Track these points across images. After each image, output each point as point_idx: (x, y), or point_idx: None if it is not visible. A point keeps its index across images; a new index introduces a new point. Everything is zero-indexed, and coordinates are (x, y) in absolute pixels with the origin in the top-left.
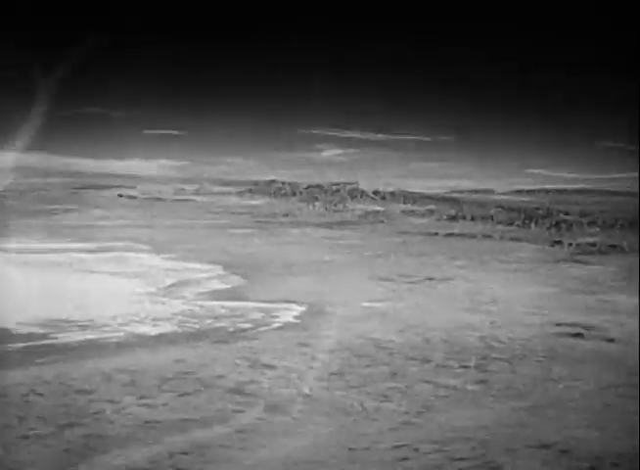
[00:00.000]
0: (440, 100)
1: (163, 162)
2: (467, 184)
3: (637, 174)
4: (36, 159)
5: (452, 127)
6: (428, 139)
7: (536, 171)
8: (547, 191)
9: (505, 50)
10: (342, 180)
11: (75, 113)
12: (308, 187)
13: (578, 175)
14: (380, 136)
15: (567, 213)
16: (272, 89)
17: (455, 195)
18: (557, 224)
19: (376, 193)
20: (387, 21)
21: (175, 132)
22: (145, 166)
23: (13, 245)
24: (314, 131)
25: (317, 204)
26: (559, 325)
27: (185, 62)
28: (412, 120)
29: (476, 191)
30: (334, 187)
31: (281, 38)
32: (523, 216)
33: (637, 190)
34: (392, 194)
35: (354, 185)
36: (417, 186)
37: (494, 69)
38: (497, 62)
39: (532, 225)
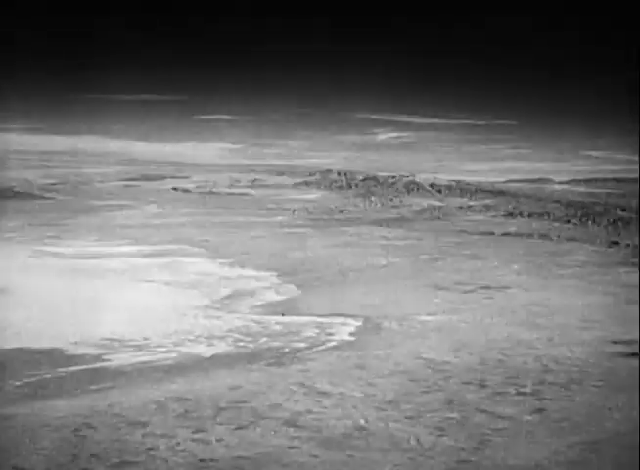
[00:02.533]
0: (497, 84)
1: (218, 144)
2: (523, 166)
3: None
4: (89, 142)
5: (508, 111)
6: (483, 123)
7: (593, 153)
8: (604, 180)
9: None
10: (398, 169)
11: (125, 99)
12: (365, 179)
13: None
14: (436, 120)
15: (624, 210)
16: (325, 74)
17: (512, 185)
18: (614, 222)
19: (432, 186)
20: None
21: (228, 117)
22: (199, 150)
23: (67, 249)
24: (370, 115)
25: (373, 198)
26: (615, 343)
27: (235, 45)
28: (467, 105)
29: (532, 181)
30: (390, 180)
31: (337, 22)
32: (580, 213)
33: None
34: (449, 188)
35: (410, 178)
36: (474, 169)
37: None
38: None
39: (589, 223)
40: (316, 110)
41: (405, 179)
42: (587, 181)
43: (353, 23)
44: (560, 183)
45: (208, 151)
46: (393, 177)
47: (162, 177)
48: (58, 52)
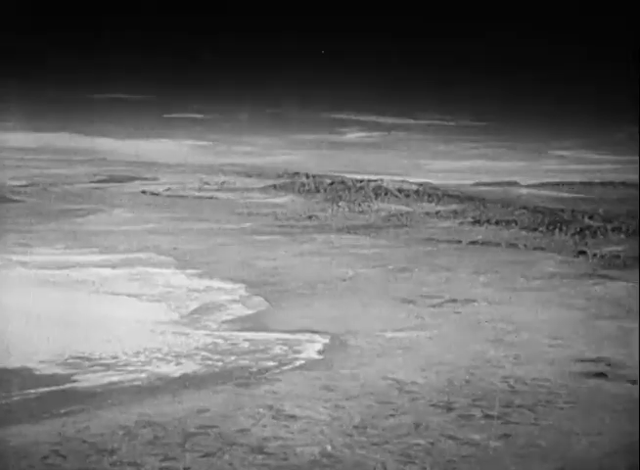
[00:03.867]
0: (464, 85)
1: (187, 142)
2: (491, 165)
3: None
4: (60, 139)
5: (475, 112)
6: (451, 124)
7: (561, 153)
8: (572, 184)
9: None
10: (366, 168)
11: (96, 98)
12: (333, 183)
13: (604, 156)
14: (403, 120)
15: (591, 217)
16: (292, 74)
17: (479, 189)
18: (581, 231)
19: (400, 191)
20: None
21: (196, 116)
22: (169, 147)
23: (35, 257)
24: (336, 115)
25: (341, 203)
26: (582, 361)
27: (203, 45)
28: (435, 105)
29: (500, 184)
30: (358, 184)
31: (300, 24)
32: (547, 221)
33: None
34: (417, 192)
35: (378, 182)
36: (442, 168)
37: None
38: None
39: (557, 231)
40: (284, 109)
41: (373, 184)
42: (554, 185)
43: (325, 23)
44: (527, 186)
45: (177, 148)
46: (361, 181)
47: (131, 178)
48: (26, 49)
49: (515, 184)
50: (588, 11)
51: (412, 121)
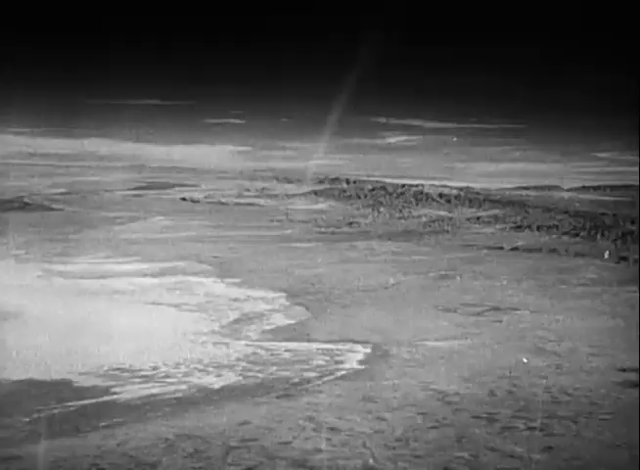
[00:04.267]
0: (504, 88)
1: (227, 147)
2: (532, 168)
3: None
4: (96, 144)
5: (515, 114)
6: (493, 127)
7: (603, 155)
8: (613, 187)
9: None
10: (407, 172)
11: (133, 104)
12: (373, 189)
13: None
14: (443, 124)
15: (633, 222)
16: (332, 78)
17: (520, 193)
18: (623, 236)
19: (441, 196)
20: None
21: (236, 121)
22: (209, 153)
23: (74, 267)
24: (377, 119)
25: (382, 209)
26: (623, 371)
27: (242, 50)
28: (475, 109)
29: (541, 187)
30: (398, 190)
31: (346, 23)
32: (588, 226)
33: None
34: (458, 197)
35: (419, 187)
36: (483, 170)
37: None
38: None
39: (598, 237)
40: (325, 114)
41: (414, 189)
42: (596, 188)
43: (362, 25)
44: (568, 190)
45: (217, 154)
46: (402, 186)
47: (171, 185)
48: (63, 56)
49: (556, 188)
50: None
51: (453, 125)
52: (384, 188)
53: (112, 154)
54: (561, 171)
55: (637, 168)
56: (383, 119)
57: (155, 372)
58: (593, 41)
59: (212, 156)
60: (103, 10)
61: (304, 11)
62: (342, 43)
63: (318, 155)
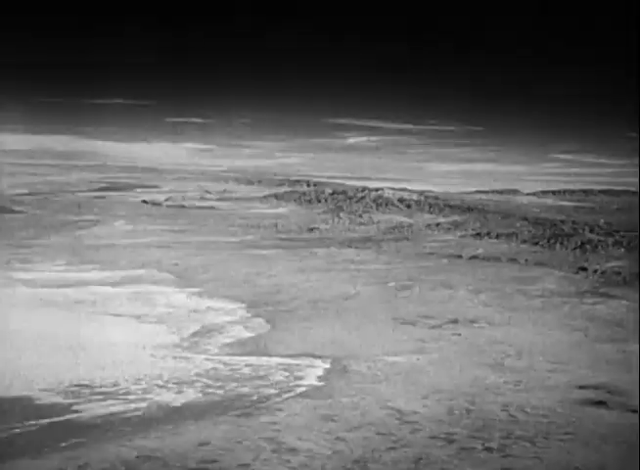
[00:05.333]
0: (463, 92)
1: (188, 145)
2: (491, 168)
3: None
4: (58, 141)
5: (474, 116)
6: (451, 128)
7: (562, 156)
8: (572, 192)
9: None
10: (367, 172)
11: (97, 103)
12: (333, 193)
13: (606, 160)
14: (404, 126)
15: (592, 230)
16: (295, 80)
17: (480, 198)
18: (582, 245)
19: (401, 201)
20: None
21: (197, 120)
22: (170, 151)
23: (36, 274)
24: (338, 120)
25: (342, 215)
26: (582, 388)
27: (203, 49)
28: (435, 111)
29: (500, 192)
30: (359, 194)
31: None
32: (548, 234)
33: None
34: (418, 202)
35: (379, 192)
36: (439, 170)
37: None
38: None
39: (557, 246)
40: (286, 114)
41: (374, 193)
42: (555, 193)
43: (329, 28)
44: (528, 194)
45: (178, 151)
46: (362, 190)
47: (132, 187)
48: (24, 52)
49: (516, 192)
50: (589, 13)
51: (412, 126)
52: (344, 192)
53: (73, 151)
54: (520, 172)
55: (597, 171)
56: (343, 120)
57: (115, 389)
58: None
59: (174, 154)
60: (70, 9)
61: (266, 11)
62: (308, 44)
63: (278, 154)
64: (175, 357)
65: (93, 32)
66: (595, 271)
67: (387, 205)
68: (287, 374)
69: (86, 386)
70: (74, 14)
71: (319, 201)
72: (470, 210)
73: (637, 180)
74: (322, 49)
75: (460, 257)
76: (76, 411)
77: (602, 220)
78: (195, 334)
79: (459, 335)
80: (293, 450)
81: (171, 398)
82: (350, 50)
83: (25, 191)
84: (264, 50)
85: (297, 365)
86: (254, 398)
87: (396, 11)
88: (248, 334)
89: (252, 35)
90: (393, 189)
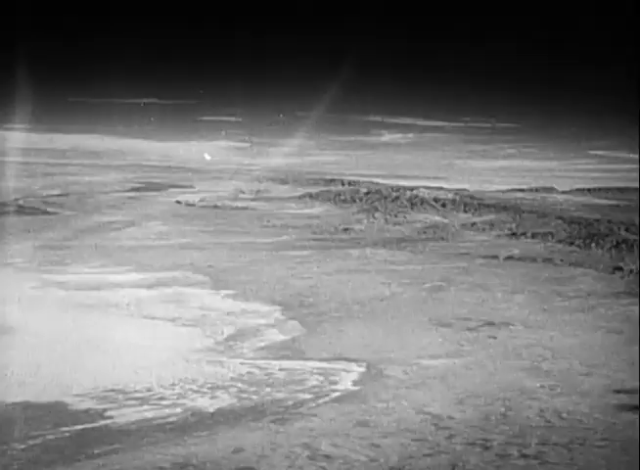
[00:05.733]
0: (499, 88)
1: (223, 143)
2: (527, 164)
3: None
4: (92, 141)
5: (510, 114)
6: (487, 125)
7: (598, 153)
8: (608, 189)
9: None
10: (401, 170)
11: (129, 103)
12: (368, 192)
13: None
14: (438, 123)
15: (627, 229)
16: (328, 77)
17: (516, 195)
18: (617, 245)
19: (436, 200)
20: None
21: (231, 119)
22: (204, 150)
23: (71, 277)
24: (372, 118)
25: (377, 215)
26: (618, 392)
27: (237, 48)
28: (469, 109)
29: (536, 190)
30: (393, 193)
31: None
32: (583, 233)
33: None
34: (453, 201)
35: (414, 191)
36: (475, 166)
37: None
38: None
39: (593, 245)
40: (320, 112)
41: (409, 193)
42: (591, 190)
43: (356, 25)
44: (563, 192)
45: (212, 150)
46: (397, 190)
47: (166, 186)
48: (58, 55)
49: (551, 190)
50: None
51: (446, 123)
52: (379, 192)
53: (106, 150)
54: (555, 168)
55: (634, 167)
56: (377, 118)
57: (149, 394)
58: (588, 39)
59: (207, 152)
60: (101, 9)
61: (296, 10)
62: (337, 43)
63: (313, 151)
64: (210, 361)
65: (125, 31)
66: (631, 271)
67: (421, 204)
68: (322, 378)
69: (120, 391)
70: (105, 13)
71: (354, 200)
72: (505, 208)
73: None
74: (354, 46)
75: (496, 257)
76: (110, 417)
77: (638, 219)
78: (229, 337)
79: (495, 338)
80: (328, 457)
81: (206, 403)
82: (382, 48)
83: (59, 192)
84: (297, 49)
85: (332, 369)
86: (289, 403)
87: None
88: (282, 337)
89: (286, 33)
90: (428, 188)
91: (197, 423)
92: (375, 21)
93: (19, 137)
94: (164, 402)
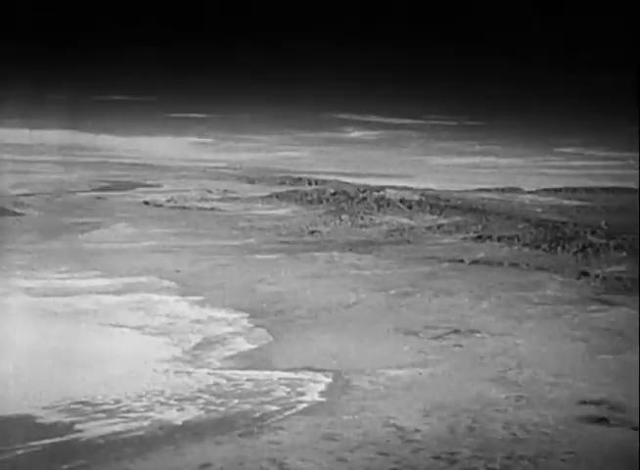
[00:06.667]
0: (465, 86)
1: (189, 139)
2: (492, 161)
3: None
4: (59, 136)
5: (476, 111)
6: (454, 123)
7: (565, 150)
8: (574, 190)
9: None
10: (368, 167)
11: (101, 100)
12: (335, 193)
13: (607, 153)
14: (404, 120)
15: (594, 232)
16: (296, 74)
17: (482, 196)
18: (584, 249)
19: (402, 201)
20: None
21: (199, 115)
22: (170, 145)
23: (38, 282)
24: (340, 115)
25: (344, 217)
26: (584, 403)
27: (205, 45)
28: (436, 106)
29: (502, 190)
30: (360, 194)
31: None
32: (549, 237)
33: None
34: (419, 203)
35: (381, 192)
36: (441, 163)
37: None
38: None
39: (559, 249)
40: (287, 108)
41: (376, 194)
42: (557, 191)
43: (329, 24)
44: (530, 192)
45: (179, 145)
46: (364, 191)
47: (133, 186)
48: (32, 50)
49: (517, 191)
50: (592, 12)
51: (412, 121)
52: (345, 193)
53: (74, 144)
54: (522, 165)
55: (598, 164)
56: (344, 115)
57: (117, 406)
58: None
59: (174, 148)
60: (78, 9)
61: (265, 9)
62: (306, 42)
63: (280, 147)
64: (177, 372)
65: (94, 28)
66: (597, 276)
67: (388, 205)
68: (289, 389)
69: (88, 403)
70: (75, 10)
71: (320, 201)
72: (472, 210)
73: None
74: (322, 45)
75: (462, 261)
76: (79, 431)
77: (603, 222)
78: (197, 346)
79: (461, 346)
80: None
81: (173, 415)
82: (351, 46)
83: (27, 191)
84: (265, 45)
85: (300, 380)
86: (256, 415)
87: (396, 9)
88: (249, 346)
89: (253, 31)
90: (395, 188)
91: (164, 436)
92: (348, 21)
93: None
94: (132, 415)
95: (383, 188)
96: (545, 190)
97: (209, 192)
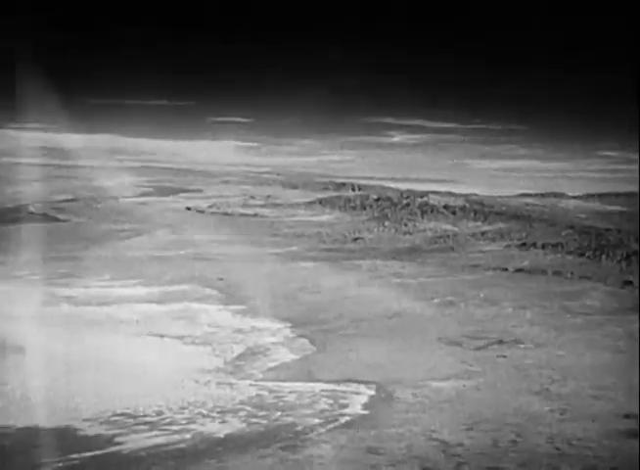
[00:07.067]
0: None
1: (232, 143)
2: (536, 165)
3: None
4: (103, 140)
5: (522, 117)
6: (498, 127)
7: (607, 153)
8: (618, 195)
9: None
10: (411, 171)
11: (141, 104)
12: (378, 199)
13: None
14: (449, 124)
15: (637, 240)
16: (340, 78)
17: (526, 200)
18: (628, 257)
19: (446, 207)
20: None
21: (241, 119)
22: (214, 150)
23: (79, 291)
24: (384, 120)
25: (387, 223)
26: (627, 417)
27: (248, 51)
28: (481, 110)
29: (546, 195)
30: (404, 200)
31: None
32: (594, 245)
33: None
34: (463, 209)
35: (424, 198)
36: (484, 169)
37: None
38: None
39: (603, 257)
40: (330, 113)
41: (419, 200)
42: (601, 196)
43: (366, 29)
44: (574, 197)
45: (223, 150)
46: (407, 197)
47: (176, 191)
48: (72, 57)
49: (561, 196)
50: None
51: (456, 125)
52: (389, 198)
53: (115, 147)
54: (565, 169)
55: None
56: (388, 119)
57: (159, 418)
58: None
59: (217, 153)
60: (116, 13)
61: (308, 14)
62: (349, 45)
63: (324, 152)
64: (219, 383)
65: (135, 33)
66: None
67: (431, 211)
68: (331, 401)
69: (130, 415)
70: (108, 13)
71: (364, 207)
72: (515, 216)
73: None
74: (369, 49)
75: (506, 269)
76: (120, 443)
77: None
78: (239, 357)
79: (504, 357)
80: None
81: (215, 428)
82: (398, 50)
83: (68, 197)
84: (308, 50)
85: (342, 392)
86: (299, 428)
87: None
88: (292, 356)
89: (294, 35)
90: (439, 193)
91: (206, 449)
92: (386, 26)
93: (28, 137)
94: (174, 428)
95: (426, 193)
96: (589, 195)
97: (252, 198)
